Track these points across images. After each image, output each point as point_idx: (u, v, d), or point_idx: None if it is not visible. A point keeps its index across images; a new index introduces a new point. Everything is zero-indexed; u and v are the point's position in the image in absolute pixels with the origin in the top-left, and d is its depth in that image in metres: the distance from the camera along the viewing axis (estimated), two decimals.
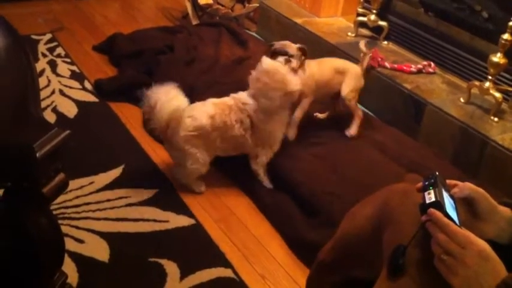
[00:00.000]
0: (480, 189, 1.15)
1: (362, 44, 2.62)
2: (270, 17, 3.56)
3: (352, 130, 2.58)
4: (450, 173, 2.25)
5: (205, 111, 2.14)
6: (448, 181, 1.17)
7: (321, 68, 2.51)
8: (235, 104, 2.18)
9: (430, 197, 1.07)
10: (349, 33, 3.25)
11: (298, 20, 3.39)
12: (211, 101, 2.21)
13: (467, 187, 1.15)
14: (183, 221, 2.07)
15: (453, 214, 1.05)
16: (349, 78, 2.52)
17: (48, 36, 3.38)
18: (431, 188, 1.09)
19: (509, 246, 1.14)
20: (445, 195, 1.08)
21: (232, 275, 1.87)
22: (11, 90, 1.29)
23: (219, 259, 1.93)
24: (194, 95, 2.66)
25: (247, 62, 3.17)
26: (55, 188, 1.22)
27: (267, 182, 2.28)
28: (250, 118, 2.17)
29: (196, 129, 2.10)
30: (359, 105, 2.64)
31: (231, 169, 2.36)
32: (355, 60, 2.81)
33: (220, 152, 2.23)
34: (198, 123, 2.11)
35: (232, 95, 2.24)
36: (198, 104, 2.20)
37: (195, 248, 1.97)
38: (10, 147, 1.11)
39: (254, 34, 3.66)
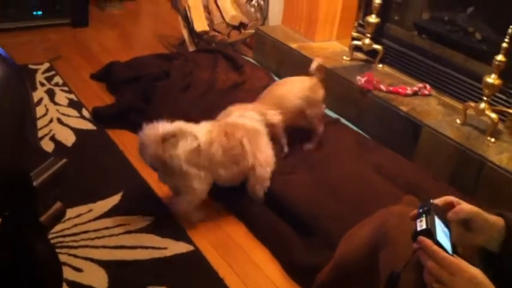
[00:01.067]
0: (474, 209, 1.16)
1: (314, 65, 2.62)
2: (266, 42, 3.60)
3: (312, 145, 2.66)
4: (447, 194, 2.24)
5: (201, 129, 2.17)
6: (445, 198, 1.18)
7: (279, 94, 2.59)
8: (230, 121, 2.25)
9: (422, 224, 1.07)
10: (345, 57, 3.27)
11: (293, 45, 3.42)
12: (206, 122, 2.25)
13: (462, 212, 1.15)
14: (181, 247, 2.06)
15: (445, 242, 1.05)
16: (302, 92, 2.57)
17: (46, 65, 3.41)
18: (423, 215, 1.09)
19: (500, 254, 1.14)
20: (438, 222, 1.08)
21: None
22: (8, 120, 1.29)
23: (218, 285, 1.91)
24: (190, 120, 2.68)
25: (243, 87, 3.19)
26: (52, 217, 1.22)
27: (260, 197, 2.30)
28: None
29: (196, 146, 2.09)
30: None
31: (225, 195, 2.34)
32: (351, 83, 2.86)
33: (222, 170, 2.18)
34: (198, 139, 2.11)
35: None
36: (193, 125, 2.21)
37: (194, 275, 1.96)
38: (7, 176, 1.11)
39: (250, 59, 3.68)
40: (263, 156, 2.27)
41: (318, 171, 2.43)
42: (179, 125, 2.11)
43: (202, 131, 2.15)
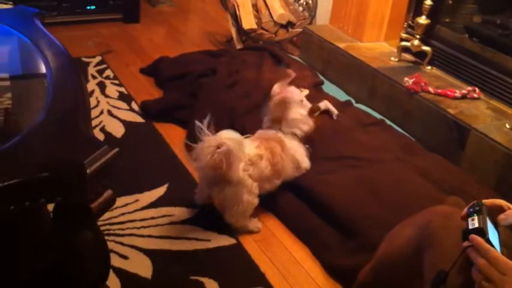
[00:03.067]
0: None
1: None
2: (313, 41, 3.60)
3: None
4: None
5: (249, 142, 2.18)
6: (495, 200, 1.17)
7: None
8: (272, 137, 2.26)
9: (474, 223, 1.08)
10: (392, 58, 3.25)
11: (341, 45, 3.41)
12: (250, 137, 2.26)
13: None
14: (224, 240, 2.10)
15: (495, 243, 1.05)
16: None
17: (98, 58, 3.50)
18: (475, 214, 1.09)
19: None
20: (489, 224, 1.08)
21: None
22: (64, 110, 1.35)
23: (259, 279, 1.94)
24: (235, 118, 2.71)
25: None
26: (103, 204, 1.26)
27: None
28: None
29: (251, 157, 2.12)
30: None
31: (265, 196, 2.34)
32: (398, 84, 2.85)
33: (268, 184, 2.22)
34: (253, 152, 2.14)
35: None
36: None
37: (236, 268, 1.99)
38: (62, 163, 1.16)
39: (296, 58, 3.69)
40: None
41: (359, 172, 2.41)
42: (231, 134, 2.08)
43: (251, 145, 2.16)
